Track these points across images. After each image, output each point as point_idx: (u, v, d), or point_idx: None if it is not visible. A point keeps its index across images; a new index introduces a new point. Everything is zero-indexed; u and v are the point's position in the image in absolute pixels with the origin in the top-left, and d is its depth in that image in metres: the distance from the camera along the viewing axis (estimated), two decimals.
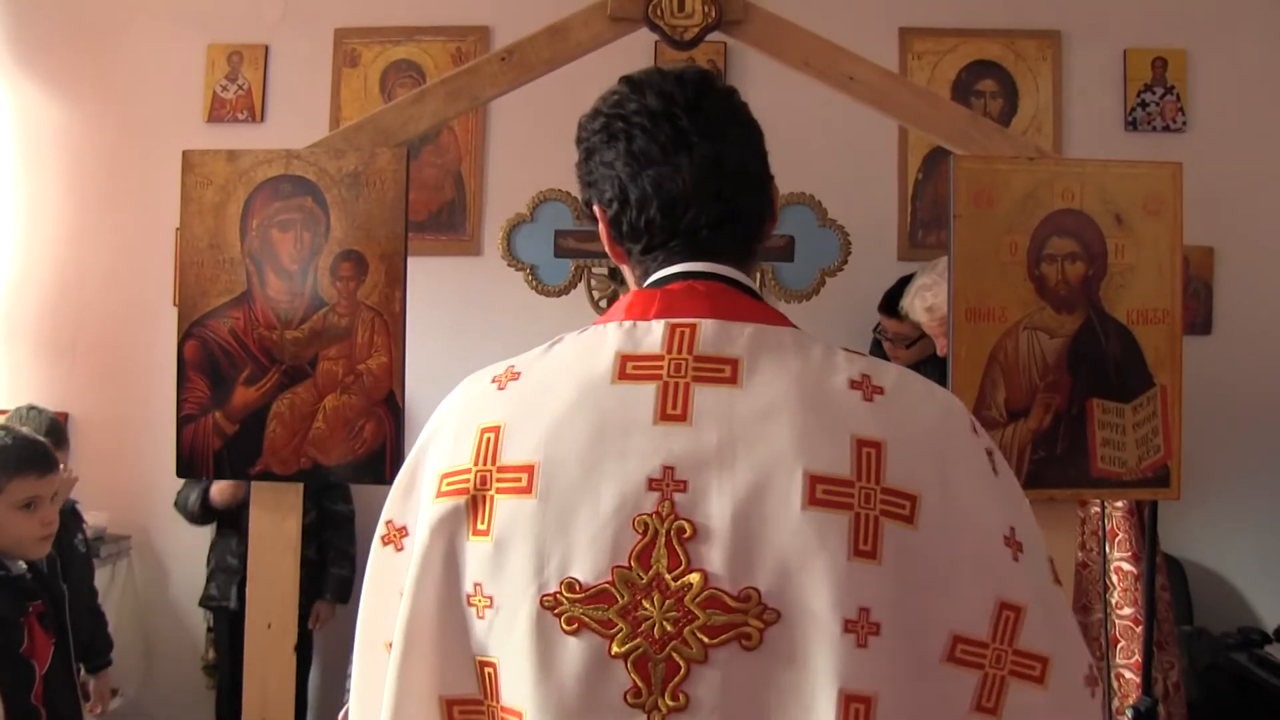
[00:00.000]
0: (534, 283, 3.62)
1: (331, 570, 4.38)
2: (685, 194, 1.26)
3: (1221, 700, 4.02)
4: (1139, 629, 2.89)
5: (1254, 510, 4.67)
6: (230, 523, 4.27)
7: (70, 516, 3.64)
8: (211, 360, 2.16)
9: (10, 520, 2.74)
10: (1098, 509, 3.03)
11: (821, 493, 1.12)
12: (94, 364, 5.01)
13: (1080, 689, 1.23)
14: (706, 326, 1.22)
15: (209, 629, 4.63)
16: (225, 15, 5.03)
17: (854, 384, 1.20)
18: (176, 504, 4.37)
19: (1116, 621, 2.99)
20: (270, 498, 2.20)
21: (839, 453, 1.14)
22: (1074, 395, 2.09)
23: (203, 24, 5.02)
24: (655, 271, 1.31)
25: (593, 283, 3.65)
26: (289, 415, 2.15)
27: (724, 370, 1.19)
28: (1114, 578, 3.00)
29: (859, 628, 1.10)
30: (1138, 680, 2.87)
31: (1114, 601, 2.99)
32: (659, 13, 2.14)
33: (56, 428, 3.85)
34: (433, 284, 4.45)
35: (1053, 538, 2.11)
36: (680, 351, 1.21)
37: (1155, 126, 4.79)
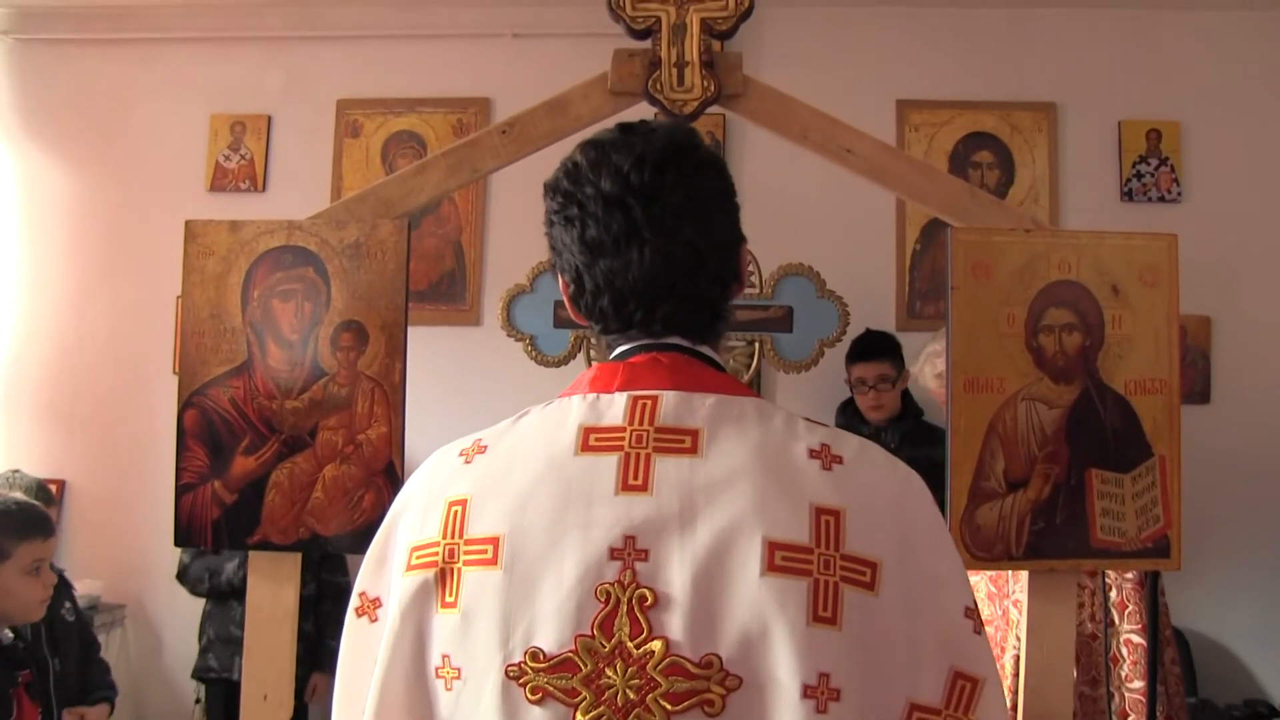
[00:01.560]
0: (533, 353, 3.63)
1: (329, 643, 4.34)
2: (635, 291, 1.27)
3: None
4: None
5: (1256, 580, 4.65)
6: (235, 594, 4.24)
7: (58, 586, 3.61)
8: (211, 429, 2.16)
9: (18, 585, 2.76)
10: (1108, 580, 3.00)
11: (780, 559, 1.13)
12: (93, 432, 5.01)
13: None
14: (668, 398, 1.24)
15: (197, 700, 4.58)
16: (228, 86, 5.10)
17: (813, 453, 1.21)
18: (184, 578, 4.31)
19: (1126, 695, 2.95)
20: (268, 568, 2.19)
21: (798, 520, 1.15)
22: (1073, 466, 2.09)
23: (206, 94, 5.09)
24: (617, 346, 1.33)
25: (592, 353, 3.66)
26: (288, 485, 2.15)
27: (684, 441, 1.21)
28: (1124, 650, 2.97)
29: (819, 693, 1.10)
30: None
31: (1124, 674, 2.96)
32: (658, 86, 2.17)
33: (43, 489, 3.85)
34: (433, 354, 4.47)
35: (1052, 610, 2.11)
36: (641, 423, 1.22)
37: (1150, 197, 4.83)
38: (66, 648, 3.45)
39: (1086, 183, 4.88)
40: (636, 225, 1.25)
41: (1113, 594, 3.01)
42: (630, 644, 1.13)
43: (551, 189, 1.33)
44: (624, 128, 1.33)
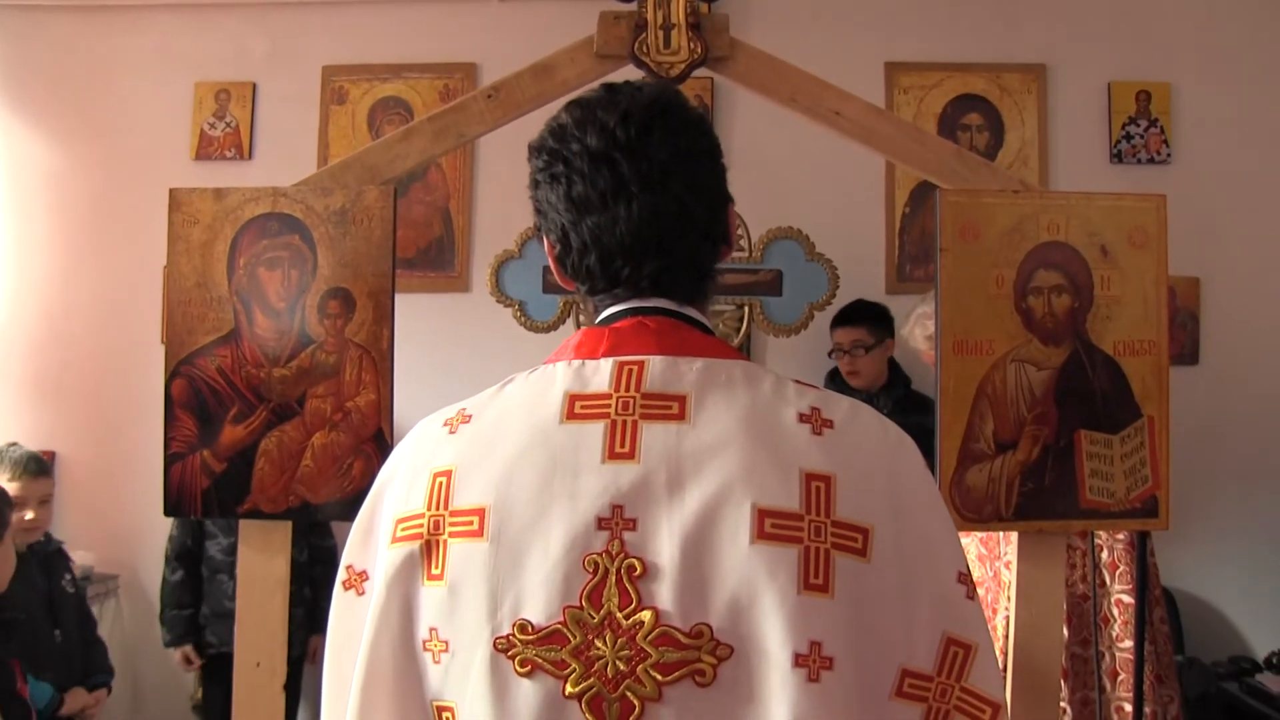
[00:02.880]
0: (522, 319, 3.62)
1: (326, 606, 4.35)
2: (623, 247, 1.25)
3: None
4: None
5: (1242, 539, 4.68)
6: (228, 568, 4.25)
7: (57, 557, 3.62)
8: (199, 399, 2.16)
9: (6, 554, 2.79)
10: (1099, 541, 3.02)
11: (770, 527, 1.12)
12: (81, 403, 5.00)
13: None
14: (654, 364, 1.22)
15: (203, 665, 4.59)
16: (213, 54, 5.05)
17: (803, 417, 1.20)
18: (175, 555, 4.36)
19: (1117, 654, 2.97)
20: (259, 537, 2.19)
21: (788, 487, 1.14)
22: (1062, 427, 2.09)
23: (190, 62, 5.05)
24: (604, 309, 1.31)
25: (581, 318, 3.65)
26: (277, 453, 2.15)
27: (672, 407, 1.19)
28: (1114, 610, 2.99)
29: (810, 662, 1.09)
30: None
31: (1114, 634, 2.98)
32: (645, 49, 2.15)
33: (41, 461, 3.86)
34: (422, 321, 4.45)
35: (1041, 571, 2.12)
36: (628, 389, 1.21)
37: (1140, 159, 4.82)
38: (65, 619, 3.47)
39: (1076, 144, 4.86)
40: (624, 181, 1.24)
41: (1104, 555, 3.02)
42: (619, 615, 1.12)
43: (536, 149, 1.32)
44: (609, 87, 1.32)
